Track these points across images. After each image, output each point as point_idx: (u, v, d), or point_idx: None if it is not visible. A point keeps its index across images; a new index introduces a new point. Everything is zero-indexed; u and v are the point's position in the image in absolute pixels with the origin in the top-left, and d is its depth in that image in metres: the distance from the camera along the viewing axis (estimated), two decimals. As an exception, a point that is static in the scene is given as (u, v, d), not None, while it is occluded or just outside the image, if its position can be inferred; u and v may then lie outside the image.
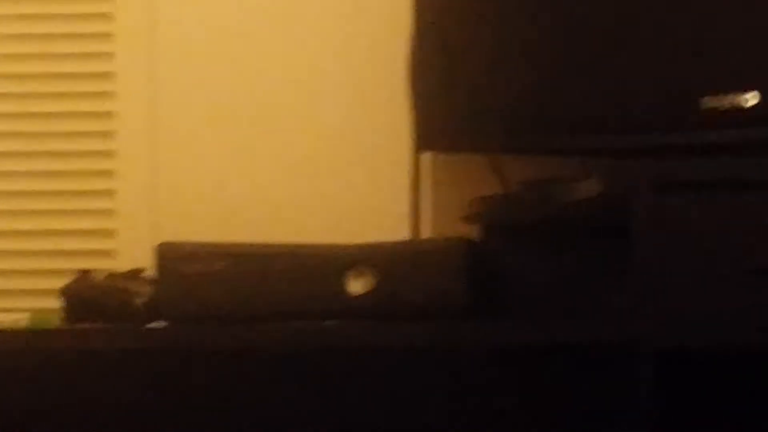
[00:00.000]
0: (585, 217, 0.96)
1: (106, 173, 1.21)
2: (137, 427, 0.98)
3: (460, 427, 0.95)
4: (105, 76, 1.22)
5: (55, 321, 0.98)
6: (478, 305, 0.93)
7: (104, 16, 1.22)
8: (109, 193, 1.21)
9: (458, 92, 1.03)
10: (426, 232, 1.13)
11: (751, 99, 0.94)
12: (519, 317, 0.95)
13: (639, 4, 1.01)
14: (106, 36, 1.22)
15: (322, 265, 0.92)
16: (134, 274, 0.98)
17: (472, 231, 1.02)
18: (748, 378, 0.99)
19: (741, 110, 0.95)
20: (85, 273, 0.98)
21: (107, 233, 1.19)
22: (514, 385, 0.96)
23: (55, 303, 0.99)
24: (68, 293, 0.97)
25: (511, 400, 0.96)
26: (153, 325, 0.95)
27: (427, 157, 1.12)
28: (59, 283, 0.98)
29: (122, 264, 1.08)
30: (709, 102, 0.95)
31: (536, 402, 0.97)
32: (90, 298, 0.97)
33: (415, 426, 0.97)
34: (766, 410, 0.99)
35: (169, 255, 0.93)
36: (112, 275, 0.99)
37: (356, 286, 0.92)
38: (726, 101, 0.95)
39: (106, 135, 1.21)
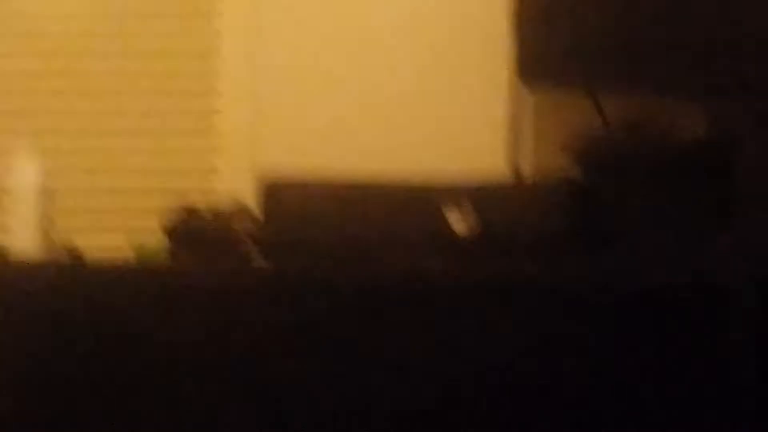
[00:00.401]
0: (686, 158, 0.95)
1: (208, 112, 1.24)
2: (240, 362, 1.01)
3: (565, 364, 0.95)
4: (207, 14, 1.24)
5: (161, 257, 1.00)
6: (581, 244, 0.92)
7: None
8: (210, 131, 1.24)
9: (561, 27, 1.01)
10: (524, 167, 1.12)
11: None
12: (621, 257, 0.95)
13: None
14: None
15: (426, 202, 0.92)
16: (238, 211, 1.00)
17: (571, 168, 1.01)
18: None
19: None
20: (191, 210, 0.99)
21: (209, 171, 1.23)
22: (617, 325, 0.96)
23: (159, 240, 1.01)
24: (173, 231, 0.99)
25: (615, 339, 0.96)
26: (257, 263, 0.97)
27: (528, 92, 1.11)
28: (168, 215, 1.01)
29: (224, 201, 1.11)
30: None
31: (638, 342, 0.97)
32: (193, 235, 0.99)
33: (519, 364, 0.97)
34: None
35: (275, 194, 0.94)
36: (217, 213, 1.00)
37: (460, 225, 0.92)
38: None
39: (207, 74, 1.24)
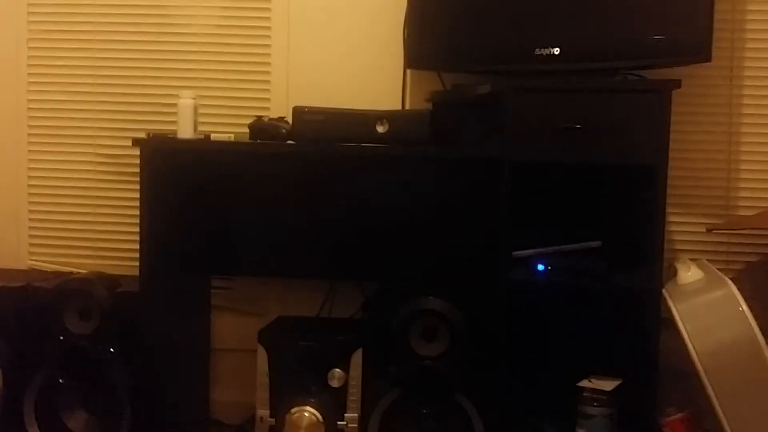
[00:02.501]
0: (479, 100, 2.16)
1: (265, 65, 2.46)
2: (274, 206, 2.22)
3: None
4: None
5: (246, 138, 2.19)
6: (432, 138, 2.13)
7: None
8: (266, 76, 2.44)
9: (429, 36, 2.21)
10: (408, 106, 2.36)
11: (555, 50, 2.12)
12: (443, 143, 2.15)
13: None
14: None
15: (366, 120, 2.11)
16: (281, 119, 2.18)
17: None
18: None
19: (553, 56, 2.12)
20: (260, 117, 2.17)
21: (266, 99, 2.44)
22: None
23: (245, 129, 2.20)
24: (252, 126, 2.17)
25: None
26: (289, 142, 2.17)
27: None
28: (248, 120, 2.19)
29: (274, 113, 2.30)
30: (538, 51, 2.13)
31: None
32: (260, 129, 2.17)
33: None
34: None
35: (298, 111, 2.13)
36: (271, 119, 2.18)
37: (380, 129, 2.12)
38: (545, 51, 2.12)
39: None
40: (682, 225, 2.39)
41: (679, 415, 1.91)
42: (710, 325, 1.73)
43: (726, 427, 1.71)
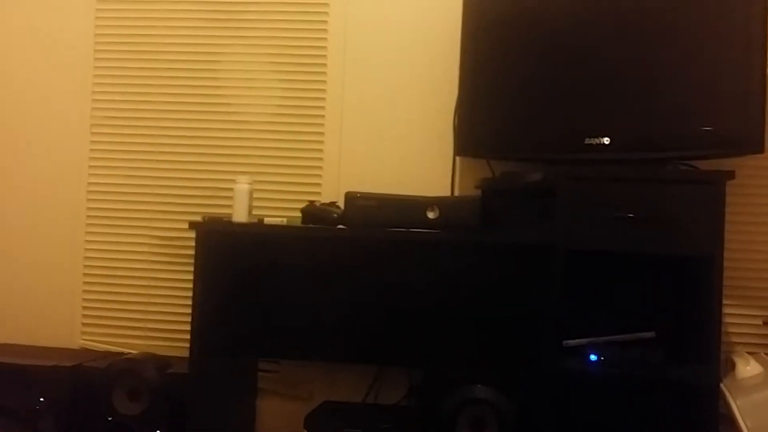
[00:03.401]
0: (530, 188, 2.18)
1: (318, 151, 2.50)
2: (326, 286, 2.24)
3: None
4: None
5: (298, 222, 2.23)
6: (482, 224, 2.14)
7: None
8: (319, 162, 2.49)
9: (479, 123, 2.25)
10: (457, 192, 2.38)
11: (605, 140, 2.14)
12: (488, 231, 2.16)
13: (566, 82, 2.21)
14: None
15: (417, 206, 2.14)
16: (332, 203, 2.22)
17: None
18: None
19: (603, 145, 2.14)
20: (312, 202, 2.22)
21: (317, 184, 2.48)
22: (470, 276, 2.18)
23: (297, 214, 2.24)
24: (304, 210, 2.21)
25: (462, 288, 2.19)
26: (340, 227, 2.20)
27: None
28: (300, 205, 2.24)
29: (326, 198, 2.34)
30: (588, 140, 2.15)
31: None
32: (312, 213, 2.21)
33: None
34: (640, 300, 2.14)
35: (350, 197, 2.17)
36: (323, 203, 2.22)
37: (431, 215, 2.14)
38: (595, 141, 2.14)
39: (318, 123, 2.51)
40: (738, 317, 2.34)
41: None
42: (772, 422, 1.67)
43: None
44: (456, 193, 2.44)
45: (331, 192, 2.44)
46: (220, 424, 2.26)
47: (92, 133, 2.64)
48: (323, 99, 2.54)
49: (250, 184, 2.20)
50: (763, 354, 2.05)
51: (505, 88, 2.25)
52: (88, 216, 2.63)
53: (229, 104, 2.58)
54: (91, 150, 2.64)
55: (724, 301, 2.24)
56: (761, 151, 2.08)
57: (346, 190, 2.20)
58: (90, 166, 2.64)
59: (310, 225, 2.19)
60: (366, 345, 2.30)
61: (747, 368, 1.84)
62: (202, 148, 2.58)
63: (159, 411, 2.15)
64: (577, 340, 2.07)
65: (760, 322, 2.29)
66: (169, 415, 2.17)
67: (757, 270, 2.34)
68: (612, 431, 2.10)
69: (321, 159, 2.53)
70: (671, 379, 1.95)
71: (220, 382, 2.28)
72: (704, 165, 2.15)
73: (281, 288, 2.31)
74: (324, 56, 2.53)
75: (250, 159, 2.55)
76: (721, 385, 1.85)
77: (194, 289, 2.17)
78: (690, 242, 1.95)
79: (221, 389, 2.28)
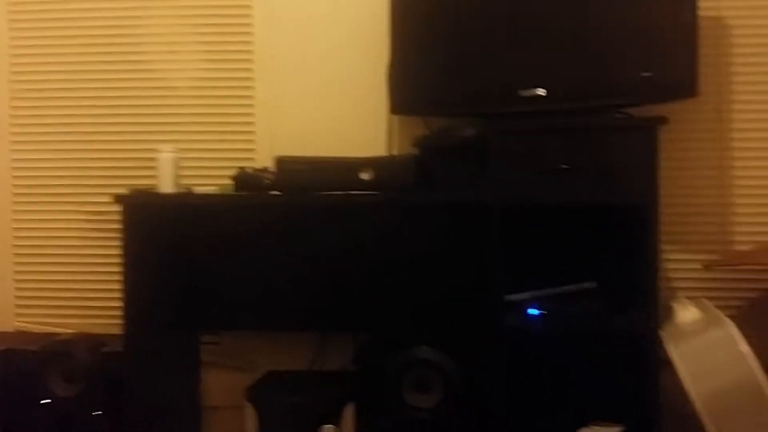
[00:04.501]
0: (464, 144, 2.13)
1: (249, 116, 2.43)
2: (257, 250, 2.18)
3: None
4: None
5: (231, 190, 2.15)
6: (417, 183, 2.09)
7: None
8: (251, 127, 2.42)
9: (412, 81, 2.18)
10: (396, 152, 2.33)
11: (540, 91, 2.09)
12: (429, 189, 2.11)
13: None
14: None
15: (350, 167, 2.08)
16: (264, 169, 2.15)
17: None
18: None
19: (538, 97, 2.10)
20: (243, 169, 2.14)
21: (251, 150, 2.40)
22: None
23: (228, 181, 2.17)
24: (235, 178, 2.14)
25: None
26: (273, 192, 2.13)
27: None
28: (232, 172, 2.16)
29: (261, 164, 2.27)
30: (522, 92, 2.11)
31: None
32: (244, 180, 2.14)
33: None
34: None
35: (281, 161, 2.10)
36: (255, 169, 2.15)
37: (365, 176, 2.09)
38: (530, 92, 2.10)
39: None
40: (679, 263, 2.34)
41: (684, 461, 1.83)
42: (709, 367, 1.67)
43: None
44: (395, 153, 2.37)
45: (266, 157, 2.36)
46: (163, 399, 2.21)
47: (12, 107, 2.52)
48: (251, 61, 2.45)
49: (174, 152, 2.12)
50: (703, 299, 2.05)
51: (436, 42, 2.20)
52: (15, 194, 2.53)
53: (152, 70, 2.47)
54: (11, 125, 2.53)
55: (665, 248, 2.25)
56: (695, 94, 2.06)
57: (277, 155, 2.13)
58: (11, 141, 2.53)
59: (242, 192, 2.11)
60: (308, 312, 2.26)
61: (686, 314, 1.84)
62: (128, 118, 2.48)
63: (95, 392, 2.09)
64: (518, 295, 2.05)
65: (701, 267, 2.29)
66: (106, 395, 2.10)
67: (696, 215, 2.34)
68: (555, 384, 2.10)
69: (252, 123, 2.45)
70: (612, 328, 1.95)
71: (159, 357, 2.21)
72: (641, 113, 2.13)
73: (217, 258, 2.25)
74: (250, 15, 2.44)
75: (178, 127, 2.46)
76: (661, 331, 1.85)
77: (124, 265, 2.09)
78: (626, 190, 1.93)
79: (160, 365, 2.22)
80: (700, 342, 1.73)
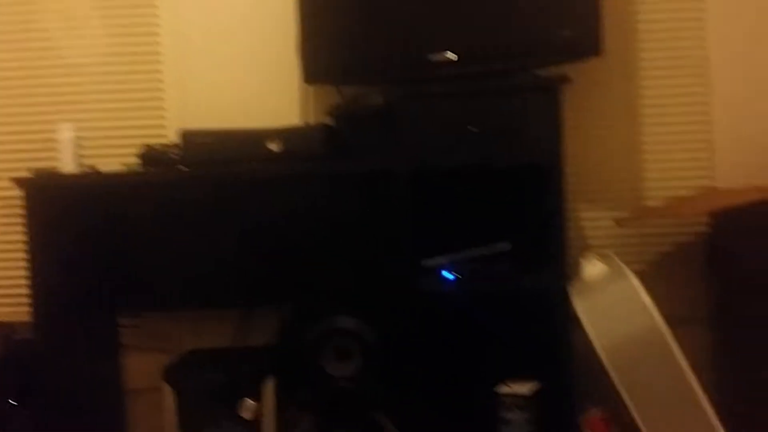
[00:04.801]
0: (373, 112, 2.11)
1: (158, 90, 2.38)
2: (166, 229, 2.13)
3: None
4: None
5: (135, 167, 2.10)
6: (329, 153, 2.07)
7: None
8: (159, 102, 2.35)
9: (322, 49, 2.15)
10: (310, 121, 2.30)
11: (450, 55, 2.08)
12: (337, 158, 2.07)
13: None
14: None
15: (258, 138, 2.04)
16: (172, 144, 2.09)
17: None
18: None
19: (447, 61, 2.08)
20: (149, 145, 2.09)
21: (161, 126, 2.36)
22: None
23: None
24: (142, 155, 2.08)
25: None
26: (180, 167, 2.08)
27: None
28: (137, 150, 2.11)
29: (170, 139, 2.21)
30: (431, 56, 2.09)
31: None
32: (151, 156, 2.08)
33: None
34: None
35: (186, 135, 2.05)
36: (162, 145, 2.09)
37: (273, 147, 2.05)
38: (438, 57, 2.09)
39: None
40: (592, 221, 2.38)
41: (598, 414, 1.87)
42: (613, 319, 1.70)
43: (638, 420, 1.68)
44: (311, 123, 2.34)
45: (177, 133, 2.30)
46: (81, 385, 2.16)
47: None
48: (157, 34, 2.39)
49: (74, 131, 2.06)
50: (611, 253, 2.08)
51: (346, 9, 2.17)
52: None
53: (53, 48, 2.39)
54: None
55: (579, 206, 2.29)
56: (599, 53, 2.08)
57: (183, 129, 2.08)
58: None
59: (149, 169, 2.06)
60: (227, 288, 2.24)
61: (591, 269, 1.86)
62: (27, 98, 2.39)
63: (7, 380, 2.03)
64: (433, 260, 2.06)
65: (614, 224, 2.33)
66: (19, 384, 2.05)
67: (608, 173, 2.38)
68: (472, 345, 2.12)
69: (161, 99, 2.39)
70: (524, 287, 1.97)
71: (74, 343, 2.16)
72: (551, 73, 2.13)
73: (129, 238, 2.21)
74: (153, -12, 2.37)
75: (83, 105, 2.39)
76: (570, 288, 1.87)
77: (28, 250, 2.03)
78: (532, 151, 1.95)
79: (77, 350, 2.17)
80: (603, 296, 1.75)
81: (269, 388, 2.05)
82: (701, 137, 2.36)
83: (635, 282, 1.70)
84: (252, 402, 2.04)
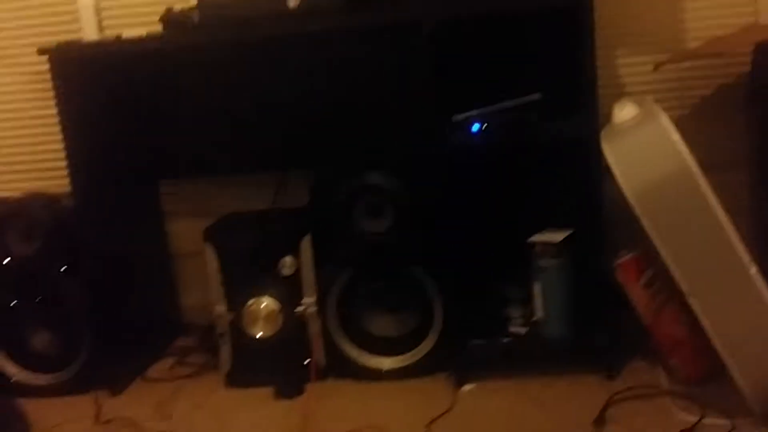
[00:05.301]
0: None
1: None
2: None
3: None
4: None
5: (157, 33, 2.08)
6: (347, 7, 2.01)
7: None
8: None
9: None
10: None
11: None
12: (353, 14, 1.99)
13: None
14: None
15: None
16: (192, 8, 2.05)
17: None
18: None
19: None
20: (170, 8, 2.05)
21: None
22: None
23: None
24: (163, 19, 2.05)
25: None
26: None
27: None
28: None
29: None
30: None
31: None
32: (172, 21, 2.05)
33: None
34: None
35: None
36: (183, 9, 2.06)
37: (292, 3, 2.00)
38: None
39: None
40: (630, 66, 2.30)
41: (629, 256, 1.87)
42: (642, 161, 1.66)
43: (668, 260, 1.67)
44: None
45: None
46: (126, 252, 2.25)
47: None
48: None
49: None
50: (647, 97, 2.01)
51: None
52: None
53: None
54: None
55: (617, 51, 2.20)
56: None
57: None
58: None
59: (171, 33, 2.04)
60: (258, 152, 2.27)
61: (623, 113, 1.81)
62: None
63: (55, 247, 2.12)
64: (464, 114, 2.02)
65: (652, 68, 2.25)
66: (67, 251, 2.14)
67: (645, 14, 2.27)
68: (505, 198, 2.12)
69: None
70: (554, 136, 1.93)
71: (116, 211, 2.23)
72: None
73: (159, 106, 2.23)
74: None
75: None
76: (601, 133, 1.83)
77: (61, 121, 2.06)
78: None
79: (118, 218, 2.24)
80: (633, 138, 1.71)
81: (306, 245, 2.10)
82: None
83: (666, 122, 1.65)
84: (291, 259, 2.10)
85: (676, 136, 1.62)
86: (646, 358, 1.98)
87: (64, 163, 2.34)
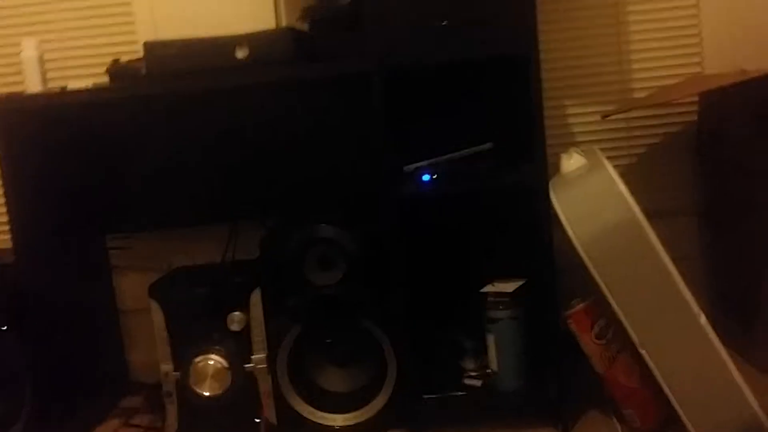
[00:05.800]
0: (343, 12, 2.04)
1: (126, 5, 2.28)
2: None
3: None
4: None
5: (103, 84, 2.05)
6: (299, 58, 2.01)
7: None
8: (128, 17, 2.30)
9: None
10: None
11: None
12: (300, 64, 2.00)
13: None
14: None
15: (224, 46, 1.98)
16: (140, 59, 2.03)
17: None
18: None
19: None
20: (116, 60, 2.03)
21: (132, 42, 2.27)
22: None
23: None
24: (109, 71, 2.03)
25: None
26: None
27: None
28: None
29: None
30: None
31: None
32: (119, 72, 2.03)
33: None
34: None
35: (148, 47, 1.99)
36: (130, 60, 2.04)
37: (240, 54, 1.99)
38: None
39: None
40: (578, 116, 2.32)
41: (581, 306, 1.86)
42: (589, 212, 1.66)
43: (617, 310, 1.66)
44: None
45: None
46: (72, 307, 2.18)
47: None
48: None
49: (37, 49, 2.00)
50: (594, 147, 2.03)
51: None
52: None
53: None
54: None
55: (566, 102, 2.23)
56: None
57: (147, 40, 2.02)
58: None
59: (118, 85, 2.02)
60: (208, 204, 2.23)
61: (570, 162, 1.82)
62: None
63: (-4, 305, 2.04)
64: (415, 165, 2.02)
65: (600, 118, 2.28)
66: (7, 308, 2.06)
67: (591, 65, 2.31)
68: (456, 248, 2.10)
69: (131, 14, 2.32)
70: (504, 185, 1.92)
71: (60, 266, 2.16)
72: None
73: (105, 159, 2.19)
74: None
75: (49, 26, 2.33)
76: (550, 183, 1.83)
77: (3, 176, 2.00)
78: (506, 43, 1.87)
79: (64, 274, 2.18)
80: (580, 188, 1.71)
81: (256, 299, 2.05)
82: (689, 23, 2.28)
83: (611, 172, 1.66)
84: (240, 314, 2.04)
85: (622, 187, 1.63)
86: (600, 407, 1.95)
87: (4, 219, 2.30)
